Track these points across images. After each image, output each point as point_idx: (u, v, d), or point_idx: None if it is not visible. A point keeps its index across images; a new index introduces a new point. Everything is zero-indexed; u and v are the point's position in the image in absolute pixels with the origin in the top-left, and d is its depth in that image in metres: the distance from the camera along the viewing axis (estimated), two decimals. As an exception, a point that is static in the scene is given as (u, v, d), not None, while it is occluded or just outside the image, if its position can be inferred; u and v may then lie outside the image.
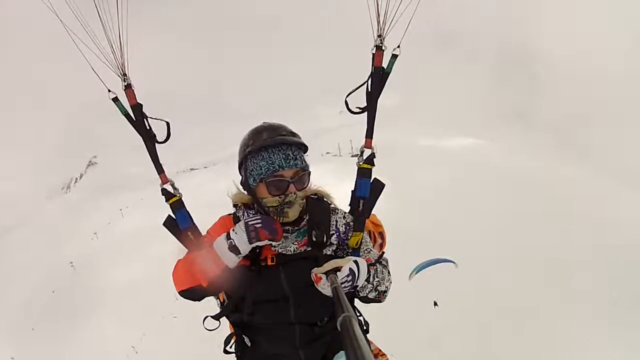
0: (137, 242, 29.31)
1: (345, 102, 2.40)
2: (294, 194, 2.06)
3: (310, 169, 2.17)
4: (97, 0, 2.05)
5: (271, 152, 2.06)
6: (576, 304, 15.00)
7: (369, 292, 2.09)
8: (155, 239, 28.13)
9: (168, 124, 2.47)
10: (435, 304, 15.20)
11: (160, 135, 2.46)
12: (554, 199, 21.89)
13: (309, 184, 2.20)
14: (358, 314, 2.41)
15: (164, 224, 2.39)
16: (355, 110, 2.42)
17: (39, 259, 32.18)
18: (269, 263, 2.12)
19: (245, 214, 2.22)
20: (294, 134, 2.16)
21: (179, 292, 2.17)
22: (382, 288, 2.14)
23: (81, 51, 2.11)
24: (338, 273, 1.88)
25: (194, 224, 2.36)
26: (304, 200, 2.15)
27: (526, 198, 22.44)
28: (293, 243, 2.17)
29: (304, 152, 2.18)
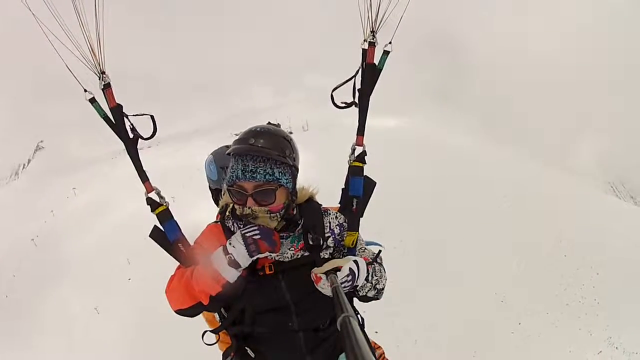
0: (92, 215, 28.84)
1: (331, 96, 2.18)
2: (250, 208, 1.81)
3: (287, 184, 1.87)
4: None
5: (236, 161, 1.84)
6: (505, 285, 14.98)
7: (368, 290, 1.95)
8: (108, 211, 27.84)
9: (153, 117, 2.14)
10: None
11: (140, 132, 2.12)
12: (474, 177, 22.22)
13: (288, 197, 1.92)
14: (356, 313, 2.23)
15: (150, 236, 2.06)
16: (340, 105, 2.20)
17: (-2, 238, 30.73)
18: (267, 272, 1.90)
19: (236, 224, 1.94)
20: (271, 145, 1.85)
21: (176, 311, 1.92)
22: (380, 286, 2.00)
23: (54, 46, 1.74)
24: (338, 273, 1.74)
25: (182, 234, 2.08)
26: (279, 213, 1.87)
27: (446, 176, 22.59)
28: (289, 249, 1.96)
29: (279, 166, 1.85)
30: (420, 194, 19.94)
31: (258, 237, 1.75)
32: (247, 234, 1.75)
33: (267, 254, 1.78)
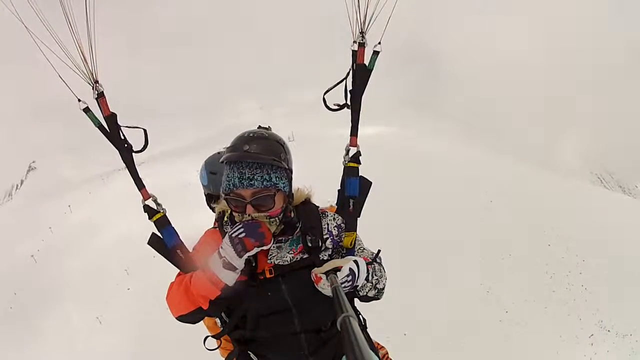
0: (89, 230, 28.93)
1: (323, 99, 2.14)
2: (249, 215, 1.78)
3: (284, 188, 1.84)
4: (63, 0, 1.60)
5: (231, 169, 1.79)
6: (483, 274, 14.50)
7: (369, 290, 1.92)
8: (105, 226, 28.07)
9: (145, 131, 2.08)
10: None
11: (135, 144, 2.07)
12: (457, 179, 22.11)
13: (284, 200, 1.89)
14: (357, 313, 2.21)
15: (149, 243, 2.03)
16: (333, 108, 2.16)
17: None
18: (268, 275, 1.86)
19: (230, 227, 1.92)
20: (266, 150, 1.81)
21: (177, 318, 1.87)
22: (381, 286, 1.97)
23: (46, 57, 1.68)
24: (338, 273, 1.71)
25: (181, 240, 2.04)
26: (279, 217, 1.85)
27: (429, 179, 22.49)
28: (288, 252, 1.92)
29: (276, 171, 1.81)
30: (402, 195, 19.81)
31: (243, 235, 1.69)
32: (233, 235, 1.70)
33: (256, 249, 1.72)
